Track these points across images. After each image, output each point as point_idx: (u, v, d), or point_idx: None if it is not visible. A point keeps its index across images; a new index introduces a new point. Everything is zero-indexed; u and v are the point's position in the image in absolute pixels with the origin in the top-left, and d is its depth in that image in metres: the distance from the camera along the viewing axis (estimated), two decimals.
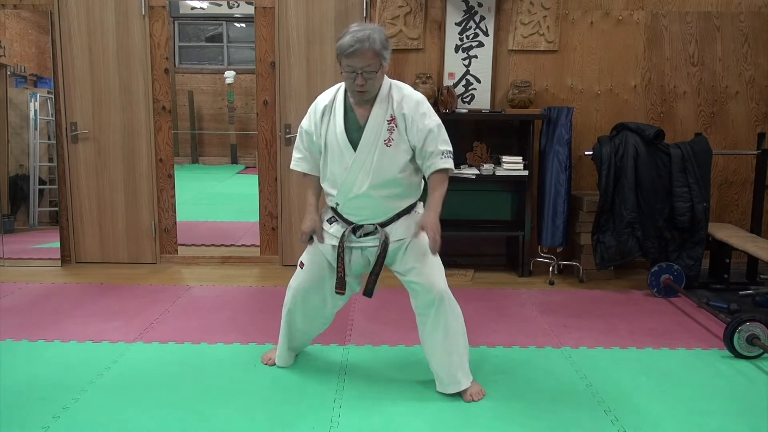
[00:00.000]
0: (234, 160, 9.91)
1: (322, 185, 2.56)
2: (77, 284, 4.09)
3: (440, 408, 2.43)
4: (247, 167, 9.45)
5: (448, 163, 2.43)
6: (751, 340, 2.88)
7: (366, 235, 2.51)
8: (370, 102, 2.40)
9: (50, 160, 4.62)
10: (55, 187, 4.59)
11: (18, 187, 4.72)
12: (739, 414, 2.41)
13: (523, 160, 4.22)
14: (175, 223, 4.67)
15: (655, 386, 2.64)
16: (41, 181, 4.74)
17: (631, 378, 2.72)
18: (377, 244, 2.48)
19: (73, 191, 4.54)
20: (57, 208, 4.61)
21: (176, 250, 4.69)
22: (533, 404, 2.47)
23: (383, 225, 2.49)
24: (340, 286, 2.54)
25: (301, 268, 2.63)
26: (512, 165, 4.20)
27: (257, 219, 4.67)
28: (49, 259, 4.56)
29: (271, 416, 2.36)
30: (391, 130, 2.38)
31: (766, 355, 2.91)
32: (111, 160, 4.52)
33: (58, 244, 4.58)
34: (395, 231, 2.49)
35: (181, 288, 4.02)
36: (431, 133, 2.39)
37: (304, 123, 2.53)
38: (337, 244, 2.52)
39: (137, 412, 2.36)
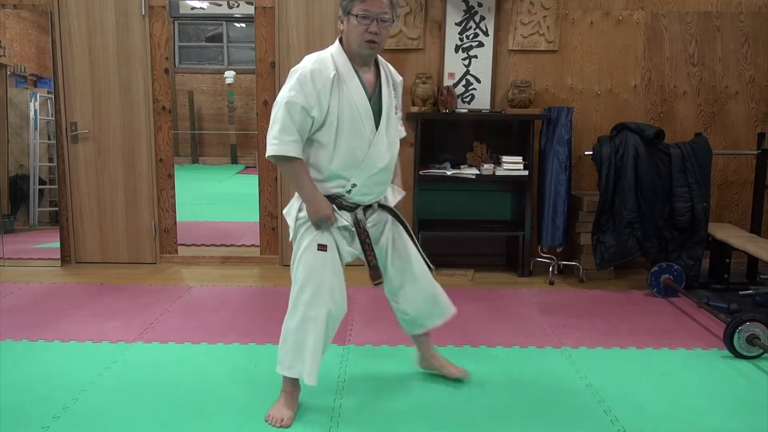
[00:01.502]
0: (234, 160, 9.93)
1: (329, 167, 2.23)
2: (77, 284, 4.09)
3: (440, 407, 2.43)
4: (247, 167, 9.46)
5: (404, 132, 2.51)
6: (751, 340, 2.88)
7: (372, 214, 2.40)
8: (372, 66, 2.31)
9: (50, 160, 4.62)
10: (55, 187, 4.59)
11: (18, 187, 4.72)
12: (739, 414, 2.40)
13: (523, 160, 4.22)
14: (175, 223, 4.67)
15: (655, 386, 2.64)
16: (41, 181, 4.74)
17: (631, 378, 2.71)
18: (381, 220, 2.41)
19: (73, 191, 4.54)
20: (57, 208, 4.61)
21: (176, 250, 4.69)
22: (533, 404, 2.47)
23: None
24: (377, 275, 2.34)
25: (326, 251, 2.28)
26: (512, 165, 4.20)
27: (257, 219, 4.67)
28: (49, 259, 4.56)
29: None
30: (395, 97, 2.38)
31: (766, 355, 2.91)
32: (111, 160, 4.52)
33: (58, 244, 4.58)
34: (389, 199, 2.46)
35: (181, 288, 4.02)
36: (399, 100, 2.46)
37: (297, 97, 2.13)
38: (353, 232, 2.33)
39: (137, 412, 2.36)
